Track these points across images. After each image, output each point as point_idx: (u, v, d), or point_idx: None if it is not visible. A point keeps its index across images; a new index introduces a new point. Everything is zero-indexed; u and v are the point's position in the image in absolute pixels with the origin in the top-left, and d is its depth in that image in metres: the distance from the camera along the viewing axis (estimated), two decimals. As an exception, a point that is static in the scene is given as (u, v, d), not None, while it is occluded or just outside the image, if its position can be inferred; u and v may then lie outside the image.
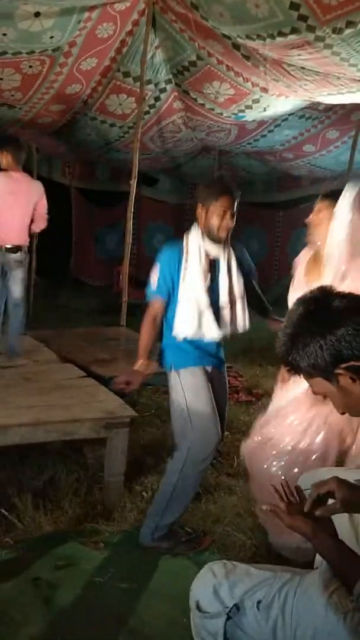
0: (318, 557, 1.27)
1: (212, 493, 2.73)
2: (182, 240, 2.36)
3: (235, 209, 2.31)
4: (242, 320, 2.42)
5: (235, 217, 2.31)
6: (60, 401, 2.67)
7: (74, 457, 2.96)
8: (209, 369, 2.37)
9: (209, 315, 2.28)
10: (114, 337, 4.74)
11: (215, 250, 2.33)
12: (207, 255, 2.32)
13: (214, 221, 2.27)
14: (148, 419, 3.72)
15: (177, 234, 11.43)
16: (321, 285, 1.29)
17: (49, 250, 8.52)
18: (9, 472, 2.76)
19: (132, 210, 4.86)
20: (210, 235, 2.30)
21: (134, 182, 4.77)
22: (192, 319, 2.27)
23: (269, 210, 9.70)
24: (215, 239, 2.31)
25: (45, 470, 2.77)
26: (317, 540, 1.12)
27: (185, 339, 2.30)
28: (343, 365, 1.11)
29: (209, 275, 2.31)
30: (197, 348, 2.33)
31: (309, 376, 1.18)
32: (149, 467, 2.98)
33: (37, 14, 3.93)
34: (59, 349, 3.97)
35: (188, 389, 2.28)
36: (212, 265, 2.34)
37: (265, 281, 6.92)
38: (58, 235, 8.93)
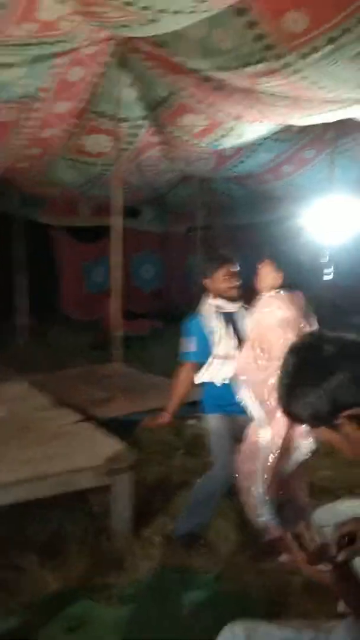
0: (341, 603, 1.20)
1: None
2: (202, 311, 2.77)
3: (236, 270, 2.72)
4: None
5: (239, 276, 2.72)
6: (59, 450, 2.59)
7: (78, 506, 2.86)
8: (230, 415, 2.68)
9: (216, 363, 2.67)
10: (109, 375, 4.66)
11: (232, 307, 2.74)
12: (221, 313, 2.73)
13: (223, 286, 2.70)
14: (152, 457, 3.63)
15: (166, 262, 11.52)
16: (310, 331, 1.27)
17: (36, 290, 8.53)
18: (11, 528, 2.65)
19: (118, 245, 4.85)
20: (225, 296, 2.71)
21: (117, 218, 4.78)
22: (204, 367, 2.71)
23: (253, 231, 9.80)
24: (229, 299, 2.72)
25: (50, 524, 2.67)
26: (339, 587, 1.06)
27: (210, 392, 2.71)
28: (344, 414, 1.07)
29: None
30: (217, 398, 2.68)
31: (313, 426, 1.15)
32: (157, 508, 2.89)
33: (9, 65, 3.99)
34: (54, 393, 3.89)
35: (211, 431, 2.70)
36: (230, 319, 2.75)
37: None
38: (44, 274, 8.97)
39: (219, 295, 2.73)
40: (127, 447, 2.69)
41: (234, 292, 2.70)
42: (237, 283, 2.71)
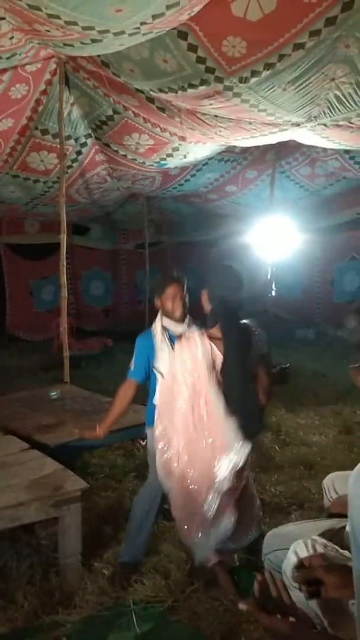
0: None
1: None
2: (151, 329, 2.76)
3: (184, 292, 2.72)
4: None
5: (185, 299, 2.70)
6: (2, 483, 2.46)
7: (25, 539, 2.73)
8: None
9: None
10: (58, 398, 4.52)
11: (178, 328, 2.69)
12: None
13: (169, 306, 2.70)
14: (102, 481, 3.53)
15: (115, 279, 11.46)
16: None
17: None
18: None
19: (65, 263, 4.76)
20: (171, 317, 2.70)
21: (63, 236, 4.69)
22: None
23: (201, 248, 9.94)
24: (176, 320, 2.70)
25: (-7, 561, 2.52)
26: (301, 637, 1.04)
27: (150, 405, 2.66)
28: None
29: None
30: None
31: None
32: (108, 537, 2.80)
33: None
34: (-1, 419, 3.72)
35: (148, 444, 2.69)
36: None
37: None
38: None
39: (166, 315, 2.73)
40: (75, 476, 2.59)
41: (178, 314, 2.68)
42: (181, 304, 2.68)
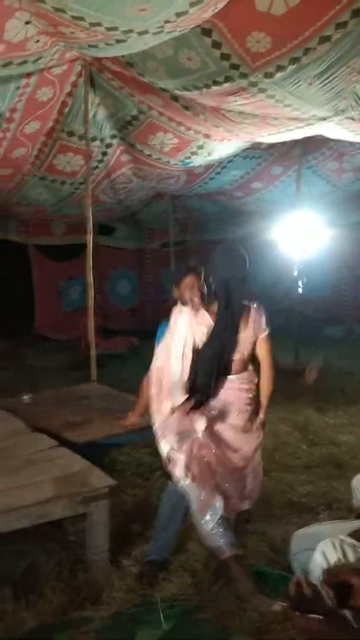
0: None
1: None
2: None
3: (200, 282, 2.76)
4: None
5: (203, 289, 2.72)
6: (31, 479, 2.50)
7: (53, 536, 2.76)
8: None
9: None
10: (85, 396, 4.57)
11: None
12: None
13: (186, 296, 2.75)
14: (129, 480, 3.55)
15: (141, 278, 11.56)
16: None
17: (9, 310, 8.38)
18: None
19: (92, 264, 4.80)
20: (189, 306, 2.68)
21: (90, 237, 4.74)
22: None
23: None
24: (193, 309, 2.68)
25: (23, 557, 2.55)
26: (338, 635, 1.02)
27: None
28: None
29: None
30: None
31: None
32: (136, 535, 2.81)
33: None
34: (27, 417, 3.77)
35: None
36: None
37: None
38: (18, 294, 8.83)
39: (184, 305, 2.74)
40: (103, 473, 2.61)
41: (195, 303, 2.67)
42: (198, 294, 2.72)
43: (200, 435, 2.45)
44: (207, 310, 2.53)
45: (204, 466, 2.45)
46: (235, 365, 2.54)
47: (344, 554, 1.34)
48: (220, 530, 2.36)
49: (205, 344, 2.46)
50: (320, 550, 1.40)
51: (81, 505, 2.35)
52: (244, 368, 2.58)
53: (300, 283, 7.02)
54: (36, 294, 9.22)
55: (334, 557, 1.34)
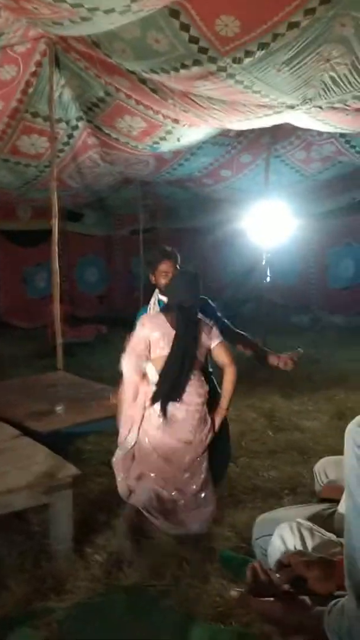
0: None
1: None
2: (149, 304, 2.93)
3: (176, 267, 2.82)
4: None
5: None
6: (-7, 469, 2.44)
7: (16, 526, 2.72)
8: None
9: None
10: (51, 384, 4.49)
11: None
12: None
13: (161, 281, 2.82)
14: (96, 468, 3.52)
15: (109, 265, 11.43)
16: None
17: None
18: None
19: (57, 249, 4.70)
20: (163, 292, 2.81)
21: (55, 221, 4.63)
22: None
23: (196, 234, 9.87)
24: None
25: (-15, 548, 2.51)
26: (293, 618, 1.03)
27: None
28: None
29: None
30: None
31: None
32: (100, 523, 2.79)
33: None
34: (-9, 407, 3.69)
35: None
36: None
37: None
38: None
39: (160, 290, 2.82)
40: (67, 462, 2.58)
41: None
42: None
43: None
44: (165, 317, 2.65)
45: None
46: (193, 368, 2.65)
47: (302, 537, 1.35)
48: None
49: (172, 346, 2.58)
50: (278, 534, 1.42)
51: (44, 496, 2.31)
52: (198, 375, 2.67)
53: (268, 271, 7.06)
54: (1, 280, 9.00)
55: (291, 541, 1.36)
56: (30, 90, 4.79)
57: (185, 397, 2.60)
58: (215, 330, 2.70)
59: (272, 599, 1.05)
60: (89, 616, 2.13)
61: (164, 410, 2.57)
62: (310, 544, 1.34)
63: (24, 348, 7.51)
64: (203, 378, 2.69)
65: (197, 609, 2.07)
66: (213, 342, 2.68)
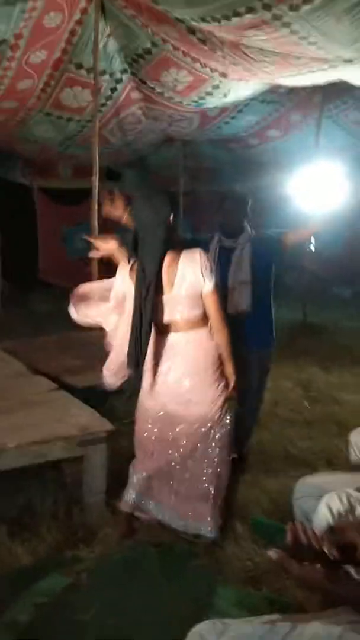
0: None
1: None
2: None
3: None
4: None
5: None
6: (28, 420, 2.48)
7: (50, 476, 2.78)
8: None
9: None
10: (88, 342, 4.52)
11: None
12: None
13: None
14: (129, 427, 3.54)
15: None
16: None
17: (13, 254, 8.24)
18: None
19: (97, 207, 4.64)
20: None
21: (95, 179, 4.55)
22: None
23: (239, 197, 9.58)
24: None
25: (20, 495, 2.57)
26: (336, 585, 0.98)
27: None
28: None
29: None
30: None
31: None
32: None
33: (-25, 5, 3.68)
34: (28, 360, 3.75)
35: None
36: None
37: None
38: (22, 238, 8.66)
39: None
40: (101, 417, 2.59)
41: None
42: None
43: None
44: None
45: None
46: (177, 326, 2.28)
47: (351, 508, 1.30)
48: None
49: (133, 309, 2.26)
50: (326, 503, 1.36)
51: (79, 448, 2.34)
52: (192, 326, 2.27)
53: (312, 240, 6.80)
54: (40, 239, 9.05)
55: (340, 510, 1.31)
56: (75, 39, 4.63)
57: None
58: (205, 269, 2.19)
59: (313, 564, 0.99)
60: (118, 568, 2.17)
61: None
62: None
63: (62, 306, 7.57)
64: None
65: (227, 571, 2.07)
66: (203, 286, 2.21)
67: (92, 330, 4.72)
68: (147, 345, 2.26)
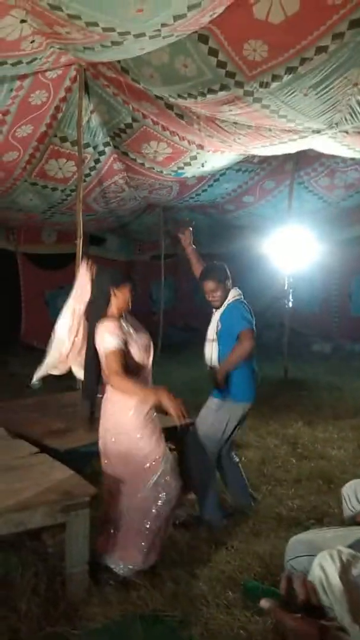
0: None
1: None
2: None
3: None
4: None
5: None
6: (8, 486, 2.38)
7: (30, 546, 2.63)
8: None
9: None
10: (69, 404, 4.44)
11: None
12: None
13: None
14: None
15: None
16: None
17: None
18: None
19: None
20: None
21: (79, 242, 4.66)
22: None
23: (217, 260, 9.86)
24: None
25: (-2, 568, 2.42)
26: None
27: None
28: None
29: None
30: None
31: None
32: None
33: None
34: (9, 424, 3.65)
35: None
36: None
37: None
38: (4, 302, 8.70)
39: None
40: (84, 481, 2.50)
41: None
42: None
43: None
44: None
45: None
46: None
47: (343, 566, 1.25)
48: None
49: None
50: (318, 563, 1.31)
51: (61, 514, 2.23)
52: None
53: (289, 298, 6.99)
54: (23, 302, 9.10)
55: (332, 570, 1.26)
56: (60, 115, 4.92)
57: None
58: (104, 336, 2.55)
59: (306, 617, 0.94)
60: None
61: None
62: (355, 572, 1.24)
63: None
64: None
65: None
66: (103, 350, 2.55)
67: (74, 390, 4.70)
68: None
